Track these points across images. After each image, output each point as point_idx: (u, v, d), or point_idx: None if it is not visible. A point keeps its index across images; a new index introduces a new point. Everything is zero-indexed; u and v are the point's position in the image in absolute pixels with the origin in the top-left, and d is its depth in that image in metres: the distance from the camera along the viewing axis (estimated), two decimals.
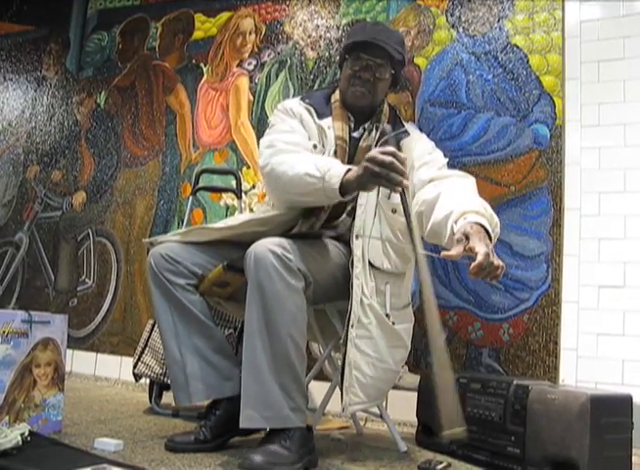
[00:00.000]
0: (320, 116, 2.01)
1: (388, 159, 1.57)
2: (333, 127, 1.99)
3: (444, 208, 1.75)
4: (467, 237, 1.58)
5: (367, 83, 1.98)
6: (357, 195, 1.89)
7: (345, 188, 1.67)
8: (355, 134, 2.03)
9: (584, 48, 2.56)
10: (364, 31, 1.99)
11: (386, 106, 2.09)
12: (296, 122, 2.01)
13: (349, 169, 1.67)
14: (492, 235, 1.64)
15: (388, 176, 1.57)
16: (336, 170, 1.69)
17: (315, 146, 1.97)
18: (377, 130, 2.01)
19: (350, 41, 2.00)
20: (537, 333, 2.45)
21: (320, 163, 1.74)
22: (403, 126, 2.06)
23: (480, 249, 1.53)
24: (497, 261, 1.54)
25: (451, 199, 1.77)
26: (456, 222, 1.66)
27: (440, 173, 1.96)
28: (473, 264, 1.51)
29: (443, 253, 1.61)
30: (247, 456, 1.57)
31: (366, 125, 2.03)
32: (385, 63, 1.97)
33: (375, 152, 1.61)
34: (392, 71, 2.01)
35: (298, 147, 1.91)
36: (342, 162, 1.91)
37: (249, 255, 1.71)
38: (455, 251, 1.57)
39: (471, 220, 1.63)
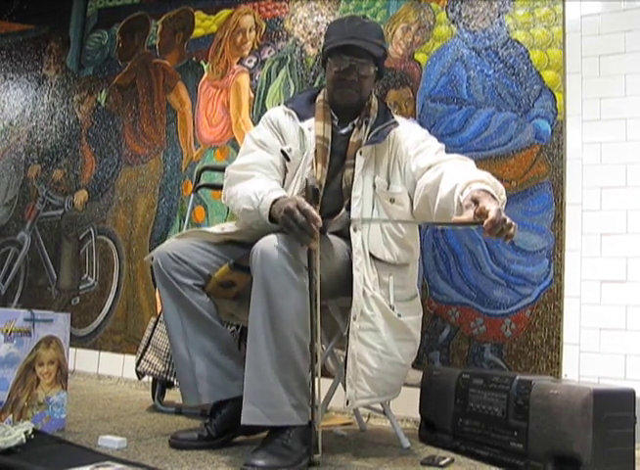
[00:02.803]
0: (302, 118, 2.04)
1: (302, 219, 1.61)
2: (313, 128, 2.01)
3: (448, 184, 1.76)
4: (475, 202, 1.59)
5: (353, 84, 2.00)
6: (352, 187, 1.94)
7: (274, 219, 1.73)
8: (343, 131, 2.05)
9: (585, 43, 2.55)
10: (343, 31, 1.99)
11: (374, 99, 2.11)
12: (267, 134, 2.05)
13: (276, 200, 1.72)
14: (499, 202, 1.65)
15: (298, 234, 1.63)
16: (265, 203, 1.74)
17: (290, 149, 2.01)
18: (366, 125, 2.03)
19: (330, 45, 2.01)
20: (540, 328, 2.44)
21: (256, 194, 1.79)
22: (393, 118, 2.07)
23: (492, 206, 1.54)
24: (509, 220, 1.55)
25: (454, 175, 1.78)
26: (462, 193, 1.68)
27: (438, 158, 1.96)
28: (486, 221, 1.52)
29: (455, 218, 1.63)
30: (249, 460, 1.57)
31: (355, 121, 2.05)
32: (367, 61, 1.99)
33: (293, 204, 1.64)
34: (376, 69, 2.03)
35: (253, 167, 1.96)
36: (324, 159, 1.97)
37: (255, 251, 1.71)
38: (466, 215, 1.58)
39: (476, 188, 1.65)
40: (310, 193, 1.67)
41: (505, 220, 1.54)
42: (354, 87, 2.00)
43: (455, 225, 1.64)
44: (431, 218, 1.92)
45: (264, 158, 2.00)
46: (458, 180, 1.72)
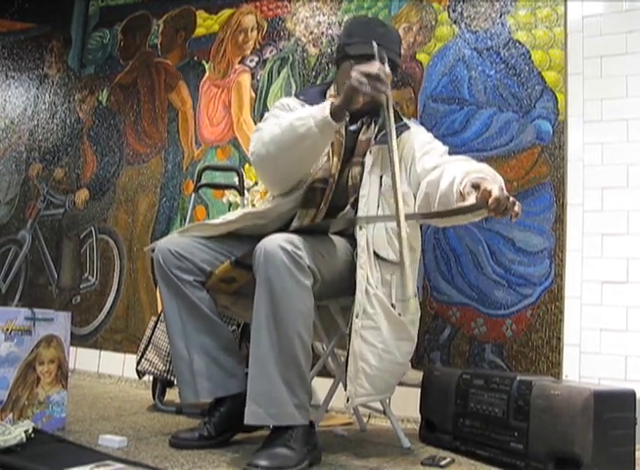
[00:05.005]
0: None
1: (374, 70, 1.67)
2: None
3: (447, 178, 1.78)
4: (476, 187, 1.60)
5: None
6: (359, 185, 1.93)
7: (336, 113, 1.74)
8: (353, 127, 2.04)
9: (587, 43, 2.55)
10: (368, 34, 1.97)
11: None
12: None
13: (332, 103, 1.76)
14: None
15: (373, 85, 1.67)
16: (320, 105, 1.78)
17: None
18: (375, 124, 2.03)
19: (356, 47, 1.99)
20: (540, 329, 2.44)
21: (304, 109, 1.83)
22: (402, 120, 2.07)
23: (494, 186, 1.55)
24: (513, 198, 1.56)
25: (452, 170, 1.80)
26: (461, 183, 1.69)
27: (443, 159, 1.97)
28: (490, 199, 1.53)
29: (458, 203, 1.64)
30: (251, 461, 1.57)
31: (364, 119, 2.05)
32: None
33: (361, 65, 1.71)
34: (395, 79, 2.03)
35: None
36: (339, 153, 1.97)
37: (258, 250, 1.70)
38: (469, 200, 1.60)
39: (475, 176, 1.66)
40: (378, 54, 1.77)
41: (509, 198, 1.54)
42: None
43: (458, 213, 1.63)
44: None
45: None
46: (456, 173, 1.74)
